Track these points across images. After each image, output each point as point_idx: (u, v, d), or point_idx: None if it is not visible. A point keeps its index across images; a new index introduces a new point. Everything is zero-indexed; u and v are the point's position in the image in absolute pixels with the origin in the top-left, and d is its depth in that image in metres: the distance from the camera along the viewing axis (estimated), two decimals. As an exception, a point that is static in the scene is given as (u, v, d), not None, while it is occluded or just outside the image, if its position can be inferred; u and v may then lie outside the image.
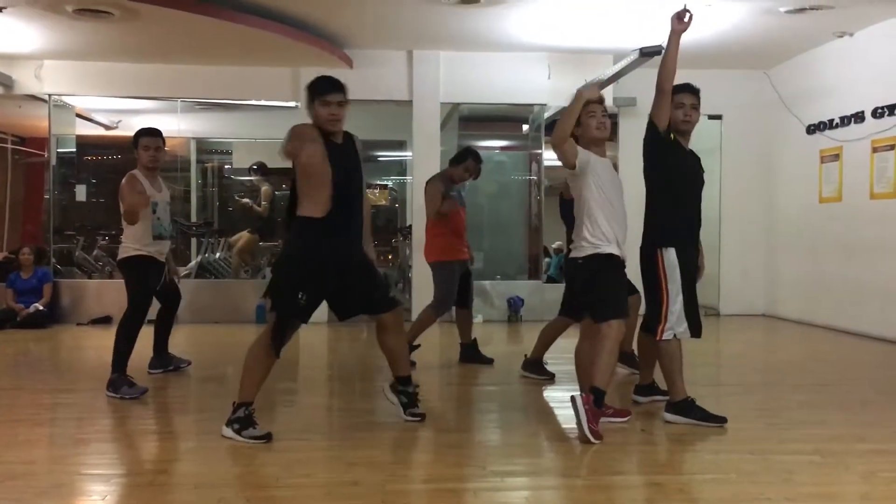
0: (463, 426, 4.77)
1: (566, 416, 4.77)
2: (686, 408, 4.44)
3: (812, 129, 9.43)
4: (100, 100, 10.37)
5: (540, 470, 3.83)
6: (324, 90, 4.29)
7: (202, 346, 7.98)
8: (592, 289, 4.32)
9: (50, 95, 9.71)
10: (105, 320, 9.25)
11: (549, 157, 10.35)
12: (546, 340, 5.89)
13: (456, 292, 6.45)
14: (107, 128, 11.37)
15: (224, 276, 10.56)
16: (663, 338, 4.40)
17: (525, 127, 10.75)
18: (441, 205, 6.31)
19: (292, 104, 9.96)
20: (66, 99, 10.06)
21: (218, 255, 10.83)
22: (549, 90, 9.78)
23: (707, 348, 7.81)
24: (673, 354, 4.42)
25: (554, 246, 12.17)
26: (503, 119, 11.02)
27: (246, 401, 4.14)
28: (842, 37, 8.67)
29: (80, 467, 3.81)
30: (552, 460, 4.03)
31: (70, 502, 3.36)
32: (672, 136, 4.45)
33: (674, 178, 4.47)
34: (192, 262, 10.63)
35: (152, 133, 5.66)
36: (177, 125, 11.10)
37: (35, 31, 8.08)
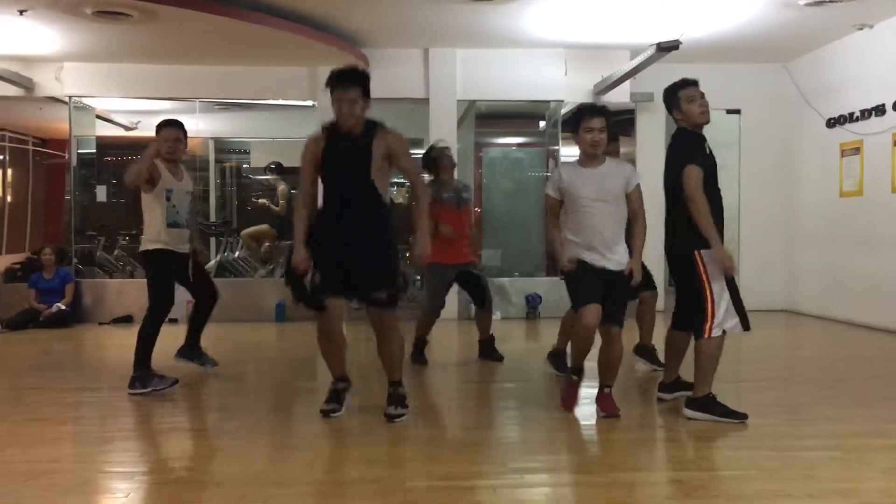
0: (482, 423, 4.78)
1: (586, 413, 4.78)
2: (707, 404, 4.43)
3: (832, 123, 9.35)
4: (119, 101, 10.45)
5: (559, 467, 3.83)
6: (332, 85, 4.47)
7: (222, 345, 8.03)
8: None
9: (70, 97, 9.80)
10: (126, 319, 9.34)
11: (566, 153, 10.34)
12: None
13: (442, 294, 6.45)
14: (126, 129, 11.46)
15: (243, 275, 10.62)
16: (712, 335, 4.40)
17: (542, 123, 10.72)
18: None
19: (309, 103, 10.01)
20: (86, 100, 10.15)
21: (237, 254, 10.89)
22: (566, 86, 9.75)
23: (726, 344, 7.75)
24: (715, 352, 4.43)
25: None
26: (520, 116, 11.00)
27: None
28: (861, 29, 8.59)
29: (103, 465, 3.86)
30: (572, 457, 4.03)
31: (94, 500, 3.41)
32: (707, 143, 4.52)
33: (706, 182, 4.45)
34: (212, 262, 10.69)
35: (171, 124, 5.73)
36: (195, 125, 11.15)
37: (55, 33, 8.16)
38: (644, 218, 4.64)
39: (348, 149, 4.43)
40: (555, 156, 10.37)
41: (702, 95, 4.52)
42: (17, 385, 6.03)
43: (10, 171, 11.92)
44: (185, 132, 5.79)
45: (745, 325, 4.49)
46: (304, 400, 5.53)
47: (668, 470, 3.79)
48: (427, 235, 4.53)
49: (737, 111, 10.42)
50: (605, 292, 4.51)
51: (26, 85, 9.41)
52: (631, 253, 4.59)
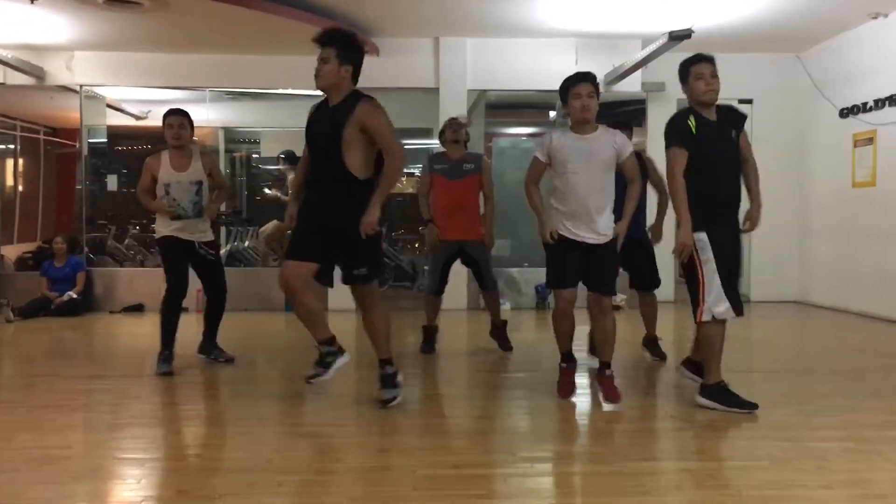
0: (492, 412, 4.78)
1: (595, 402, 4.77)
2: (717, 392, 4.41)
3: (845, 113, 9.27)
4: (130, 90, 10.46)
5: (570, 456, 3.83)
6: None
7: (232, 334, 8.05)
8: None
9: (81, 86, 9.82)
10: (137, 308, 9.37)
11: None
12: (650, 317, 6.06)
13: (437, 272, 6.33)
14: (137, 118, 11.48)
15: (253, 264, 10.65)
16: (702, 319, 4.37)
17: (552, 113, 10.67)
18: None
19: (320, 93, 9.96)
20: (96, 90, 10.16)
21: (247, 243, 10.91)
22: (577, 76, 9.69)
23: (738, 334, 7.72)
24: (713, 338, 4.41)
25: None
26: (530, 106, 10.96)
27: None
28: (875, 18, 8.51)
29: (115, 451, 3.87)
30: (582, 446, 4.03)
31: (106, 485, 3.42)
32: (692, 120, 4.36)
33: (695, 160, 4.34)
34: (222, 251, 10.72)
35: (175, 112, 5.88)
36: (206, 115, 11.18)
37: (66, 22, 8.16)
38: (640, 182, 4.70)
39: (318, 121, 4.43)
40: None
41: (713, 74, 4.38)
42: (29, 372, 6.06)
43: (21, 161, 11.97)
44: (190, 120, 5.88)
45: (737, 311, 4.39)
46: (313, 388, 5.53)
47: (678, 459, 3.78)
48: (377, 204, 4.29)
49: (749, 101, 10.35)
50: (587, 266, 4.58)
51: (37, 74, 9.42)
52: (620, 217, 4.63)
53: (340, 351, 4.55)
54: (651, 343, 6.11)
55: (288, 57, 9.57)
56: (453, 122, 6.50)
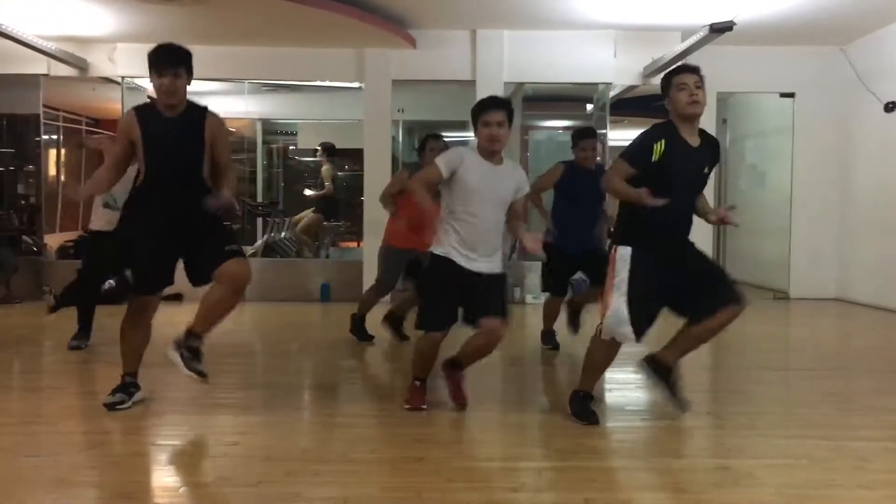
0: (526, 406, 4.77)
1: (631, 398, 4.74)
2: (578, 399, 4.23)
3: (891, 107, 9.06)
4: (170, 82, 10.58)
5: (605, 451, 3.81)
6: (153, 62, 4.11)
7: (268, 324, 8.14)
8: None
9: (123, 78, 9.96)
10: (176, 297, 9.49)
11: (614, 137, 10.22)
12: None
13: (395, 278, 6.53)
14: (176, 109, 11.61)
15: (289, 255, 10.74)
16: (601, 336, 4.09)
17: (589, 107, 10.60)
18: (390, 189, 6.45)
19: (356, 85, 10.03)
20: (138, 81, 10.30)
21: (283, 234, 11.01)
22: (615, 68, 9.61)
23: (776, 332, 7.63)
24: (601, 354, 4.17)
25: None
26: (567, 99, 10.87)
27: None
28: (924, 10, 8.32)
29: (153, 438, 3.94)
30: (617, 441, 4.00)
31: (144, 472, 3.48)
32: (659, 145, 3.95)
33: (646, 181, 3.92)
34: (259, 242, 10.84)
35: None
36: (244, 106, 11.29)
37: (109, 15, 8.29)
38: (526, 214, 4.51)
39: (174, 131, 4.12)
40: (602, 139, 10.25)
41: (697, 85, 3.97)
42: (69, 359, 6.18)
43: (63, 151, 12.17)
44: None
45: (636, 335, 3.97)
46: (347, 378, 5.58)
47: (715, 457, 3.74)
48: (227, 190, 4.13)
49: (791, 94, 10.19)
50: (470, 296, 4.19)
51: (80, 66, 9.58)
52: (514, 234, 4.53)
53: (139, 388, 4.50)
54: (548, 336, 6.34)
55: (326, 49, 9.63)
56: (435, 144, 6.23)
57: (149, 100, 4.34)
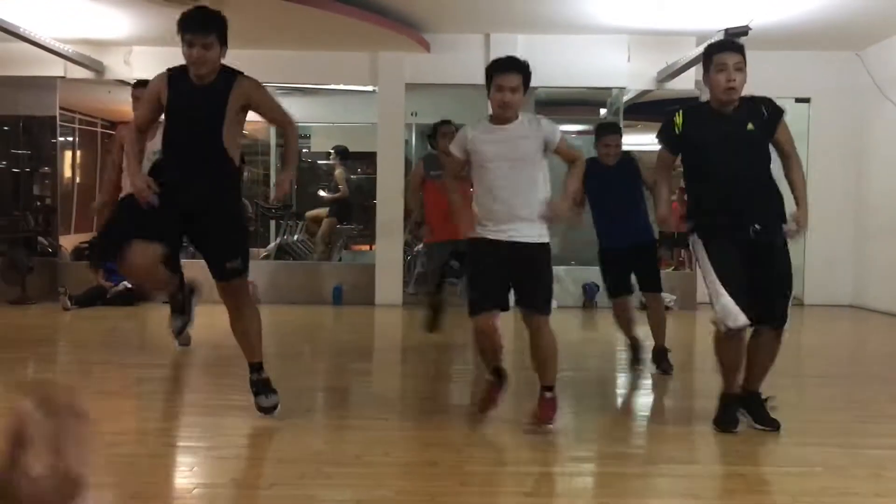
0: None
1: (645, 404, 4.72)
2: (721, 405, 4.04)
3: (907, 113, 9.02)
4: (185, 85, 10.64)
5: (619, 456, 3.79)
6: (182, 28, 3.88)
7: (280, 326, 8.16)
8: None
9: (138, 80, 10.01)
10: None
11: (628, 141, 10.18)
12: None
13: (435, 273, 6.31)
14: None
15: (302, 257, 10.76)
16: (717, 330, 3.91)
17: (603, 111, 10.58)
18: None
19: (370, 88, 10.05)
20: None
21: (296, 237, 11.04)
22: (629, 73, 9.60)
23: (791, 338, 7.56)
24: (720, 350, 3.94)
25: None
26: (581, 103, 10.86)
27: None
28: (941, 15, 8.26)
29: (169, 439, 3.96)
30: (631, 447, 3.99)
31: (160, 472, 3.50)
32: (678, 117, 3.86)
33: (687, 163, 3.94)
34: (272, 244, 10.87)
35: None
36: (258, 110, 11.30)
37: (126, 17, 8.34)
38: (582, 160, 4.11)
39: (189, 98, 3.89)
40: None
41: (738, 67, 3.72)
42: (85, 360, 6.21)
43: (79, 153, 12.25)
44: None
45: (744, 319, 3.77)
46: (360, 381, 5.58)
47: (729, 464, 3.71)
48: (288, 174, 4.22)
49: (806, 100, 10.14)
50: (513, 277, 3.93)
51: (97, 68, 9.64)
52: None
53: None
54: (660, 356, 5.53)
55: (340, 53, 9.66)
56: (447, 129, 6.16)
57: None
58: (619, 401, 4.98)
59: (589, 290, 9.60)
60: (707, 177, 3.86)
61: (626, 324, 5.68)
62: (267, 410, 4.07)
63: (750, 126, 3.76)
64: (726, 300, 3.73)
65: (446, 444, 3.79)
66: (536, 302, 3.93)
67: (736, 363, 3.91)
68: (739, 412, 4.03)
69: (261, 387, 4.12)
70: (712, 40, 7.89)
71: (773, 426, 3.97)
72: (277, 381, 5.50)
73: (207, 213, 3.91)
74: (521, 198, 3.87)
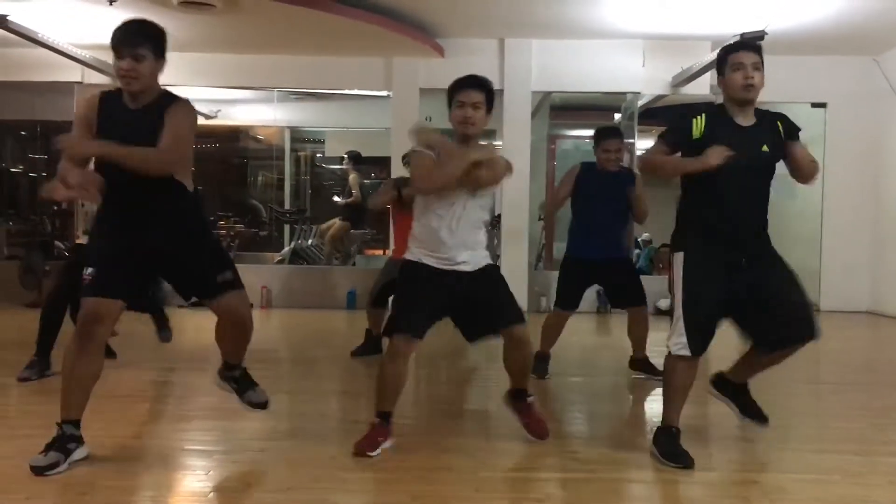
0: (552, 416, 4.73)
1: (658, 410, 4.69)
2: (662, 436, 3.70)
3: (924, 118, 8.96)
4: (200, 90, 10.70)
5: (632, 462, 3.77)
6: (112, 39, 3.46)
7: (294, 330, 8.19)
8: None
9: (154, 86, 10.07)
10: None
11: (642, 146, 10.17)
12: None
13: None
14: (206, 117, 11.74)
15: (316, 262, 10.80)
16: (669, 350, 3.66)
17: (617, 116, 10.57)
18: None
19: (384, 93, 10.08)
20: (169, 89, 10.43)
21: (310, 241, 11.07)
22: (644, 78, 9.59)
23: (807, 345, 7.53)
24: (668, 374, 3.71)
25: (643, 237, 11.98)
26: (595, 108, 10.87)
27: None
28: (959, 19, 8.20)
29: (183, 443, 3.97)
30: (644, 453, 3.97)
31: (175, 476, 3.51)
32: (700, 120, 3.58)
33: (695, 175, 3.58)
34: (286, 249, 10.91)
35: None
36: (273, 114, 11.40)
37: (142, 23, 8.40)
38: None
39: (134, 125, 3.40)
40: (630, 149, 10.21)
41: (756, 66, 3.53)
42: (101, 363, 6.24)
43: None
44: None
45: (692, 350, 3.56)
46: (373, 385, 5.56)
47: (745, 471, 3.69)
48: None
49: (823, 105, 10.08)
50: (469, 308, 3.75)
51: (113, 73, 9.70)
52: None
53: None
54: (640, 363, 5.54)
55: (354, 58, 9.69)
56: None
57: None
58: (633, 406, 4.95)
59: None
60: (712, 195, 3.58)
61: (554, 337, 5.59)
62: (263, 405, 3.97)
63: (765, 147, 3.59)
64: (681, 325, 3.56)
65: (461, 450, 3.79)
66: (512, 317, 3.80)
67: (685, 389, 3.67)
68: (728, 403, 3.99)
69: (247, 382, 3.98)
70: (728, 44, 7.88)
71: (762, 420, 3.94)
72: (293, 384, 5.54)
73: (174, 247, 3.51)
74: (472, 225, 3.75)
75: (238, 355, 3.95)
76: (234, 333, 3.81)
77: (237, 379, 3.99)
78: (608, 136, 5.47)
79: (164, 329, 6.31)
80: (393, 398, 3.74)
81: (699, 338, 3.55)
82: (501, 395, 4.07)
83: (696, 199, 3.66)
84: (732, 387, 3.99)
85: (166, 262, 3.54)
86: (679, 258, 3.64)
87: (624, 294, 5.54)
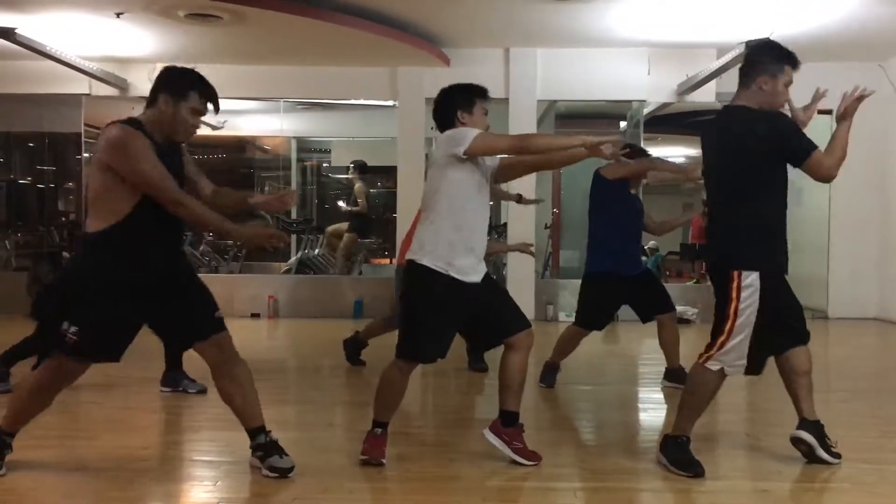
0: (560, 425, 4.74)
1: (665, 419, 4.68)
2: (674, 447, 3.62)
3: (931, 124, 8.94)
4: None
5: (642, 472, 3.76)
6: (207, 96, 3.66)
7: (301, 340, 8.20)
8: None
9: (161, 97, 10.13)
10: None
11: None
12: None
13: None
14: (213, 128, 11.74)
15: (323, 272, 10.81)
16: (706, 365, 3.52)
17: (623, 124, 10.57)
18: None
19: (390, 103, 10.11)
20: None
21: (317, 251, 11.09)
22: (649, 86, 9.59)
23: (815, 352, 7.47)
24: (705, 387, 3.58)
25: (650, 245, 11.95)
26: (600, 116, 10.87)
27: None
28: (965, 25, 8.19)
29: (192, 453, 3.98)
30: (653, 462, 3.96)
31: (184, 487, 3.52)
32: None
33: (769, 177, 3.55)
34: (293, 259, 10.93)
35: None
36: (279, 125, 11.44)
37: (149, 35, 8.47)
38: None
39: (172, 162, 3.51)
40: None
41: (788, 85, 3.69)
42: (109, 374, 6.23)
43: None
44: None
45: (753, 370, 3.65)
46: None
47: (753, 479, 3.68)
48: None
49: (828, 112, 10.02)
50: (480, 316, 3.69)
51: (121, 85, 9.77)
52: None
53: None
54: (674, 375, 5.30)
55: (360, 68, 9.73)
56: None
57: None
58: (641, 415, 4.94)
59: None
60: (779, 202, 3.54)
61: (569, 350, 5.48)
62: (284, 472, 3.43)
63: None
64: (744, 348, 3.51)
65: (469, 459, 3.78)
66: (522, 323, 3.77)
67: (707, 403, 3.64)
68: None
69: (272, 448, 3.51)
70: (734, 53, 7.90)
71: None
72: (300, 394, 5.54)
73: (185, 283, 3.56)
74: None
75: (256, 411, 3.58)
76: (227, 384, 3.56)
77: (264, 446, 3.52)
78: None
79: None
80: (395, 410, 3.76)
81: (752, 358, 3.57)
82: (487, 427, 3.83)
83: (764, 202, 3.52)
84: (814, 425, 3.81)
85: (170, 303, 3.45)
86: (753, 278, 3.43)
87: (656, 303, 5.40)
